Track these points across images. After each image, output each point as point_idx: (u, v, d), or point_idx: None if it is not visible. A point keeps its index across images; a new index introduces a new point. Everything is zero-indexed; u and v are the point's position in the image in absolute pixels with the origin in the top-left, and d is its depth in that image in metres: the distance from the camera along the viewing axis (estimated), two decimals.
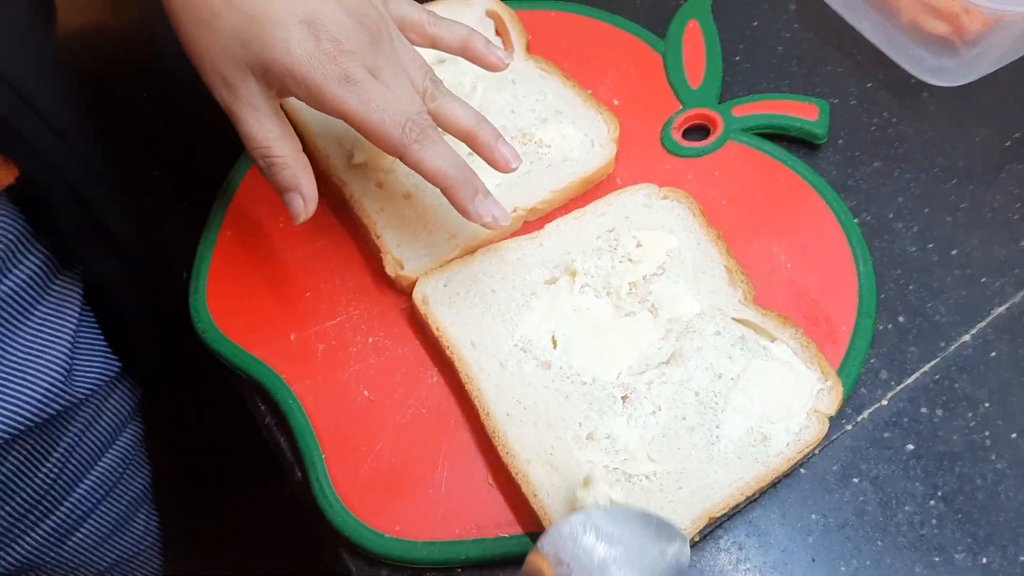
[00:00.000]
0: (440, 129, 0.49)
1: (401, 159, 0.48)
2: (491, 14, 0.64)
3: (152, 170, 0.63)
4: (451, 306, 0.51)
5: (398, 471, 0.48)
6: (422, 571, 0.46)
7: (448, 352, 0.50)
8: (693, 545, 0.46)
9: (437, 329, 0.51)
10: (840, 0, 0.65)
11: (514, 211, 0.55)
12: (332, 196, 0.58)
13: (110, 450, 0.57)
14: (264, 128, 0.47)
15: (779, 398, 0.47)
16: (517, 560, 0.43)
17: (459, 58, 0.61)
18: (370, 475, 0.48)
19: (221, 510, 0.70)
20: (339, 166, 0.58)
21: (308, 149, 0.58)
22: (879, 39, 0.63)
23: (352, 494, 0.47)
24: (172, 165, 0.63)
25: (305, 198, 0.48)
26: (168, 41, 0.47)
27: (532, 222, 0.56)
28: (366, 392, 0.51)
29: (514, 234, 0.55)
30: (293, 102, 0.60)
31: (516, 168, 0.51)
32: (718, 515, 0.44)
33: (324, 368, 0.52)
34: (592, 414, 0.47)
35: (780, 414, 0.47)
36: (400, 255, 0.54)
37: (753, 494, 0.45)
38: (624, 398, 0.48)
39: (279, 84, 0.46)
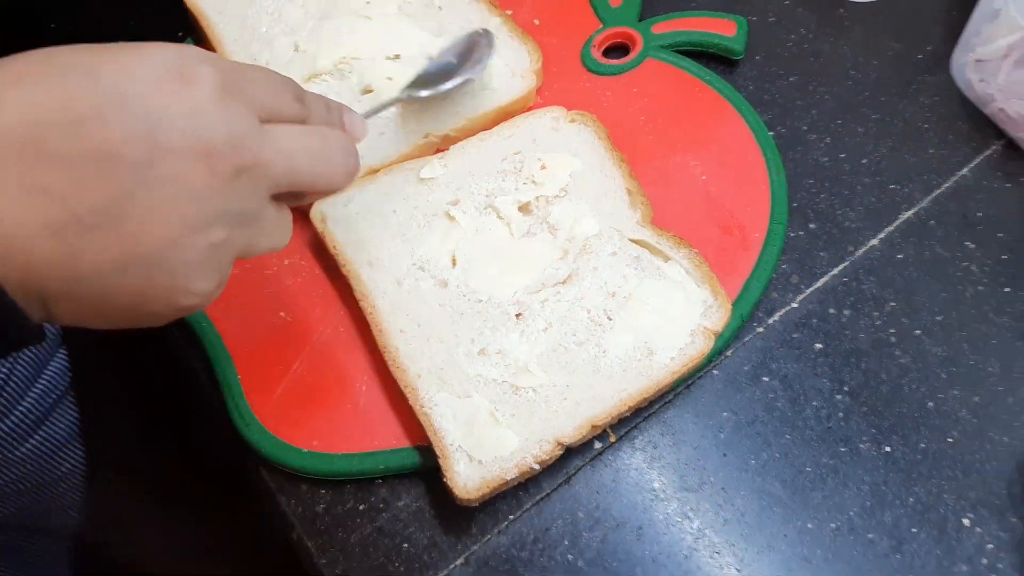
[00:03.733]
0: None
1: None
2: None
3: None
4: (349, 225, 0.51)
5: (316, 388, 0.48)
6: (341, 483, 0.46)
7: (344, 271, 0.50)
8: (609, 446, 0.47)
9: (334, 248, 0.50)
10: None
11: (426, 137, 0.55)
12: None
13: (35, 385, 0.56)
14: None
15: (667, 315, 0.48)
16: (437, 469, 0.44)
17: None
18: (287, 393, 0.48)
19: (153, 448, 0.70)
20: None
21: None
22: None
23: (269, 412, 0.47)
24: None
25: None
26: None
27: (445, 149, 0.56)
28: (283, 313, 0.50)
29: (420, 156, 0.55)
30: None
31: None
32: (601, 423, 0.45)
33: (240, 291, 0.51)
34: (485, 330, 0.47)
35: (667, 330, 0.47)
36: None
37: (637, 405, 0.46)
38: (518, 315, 0.48)
39: None
